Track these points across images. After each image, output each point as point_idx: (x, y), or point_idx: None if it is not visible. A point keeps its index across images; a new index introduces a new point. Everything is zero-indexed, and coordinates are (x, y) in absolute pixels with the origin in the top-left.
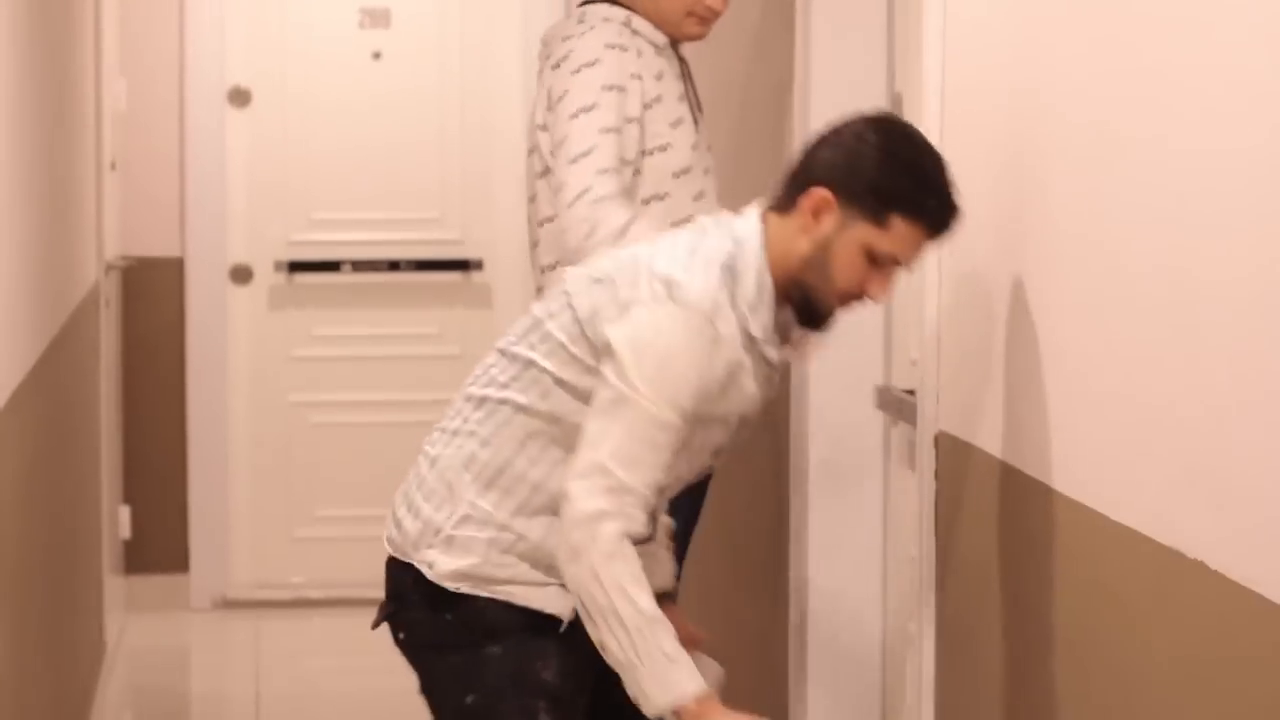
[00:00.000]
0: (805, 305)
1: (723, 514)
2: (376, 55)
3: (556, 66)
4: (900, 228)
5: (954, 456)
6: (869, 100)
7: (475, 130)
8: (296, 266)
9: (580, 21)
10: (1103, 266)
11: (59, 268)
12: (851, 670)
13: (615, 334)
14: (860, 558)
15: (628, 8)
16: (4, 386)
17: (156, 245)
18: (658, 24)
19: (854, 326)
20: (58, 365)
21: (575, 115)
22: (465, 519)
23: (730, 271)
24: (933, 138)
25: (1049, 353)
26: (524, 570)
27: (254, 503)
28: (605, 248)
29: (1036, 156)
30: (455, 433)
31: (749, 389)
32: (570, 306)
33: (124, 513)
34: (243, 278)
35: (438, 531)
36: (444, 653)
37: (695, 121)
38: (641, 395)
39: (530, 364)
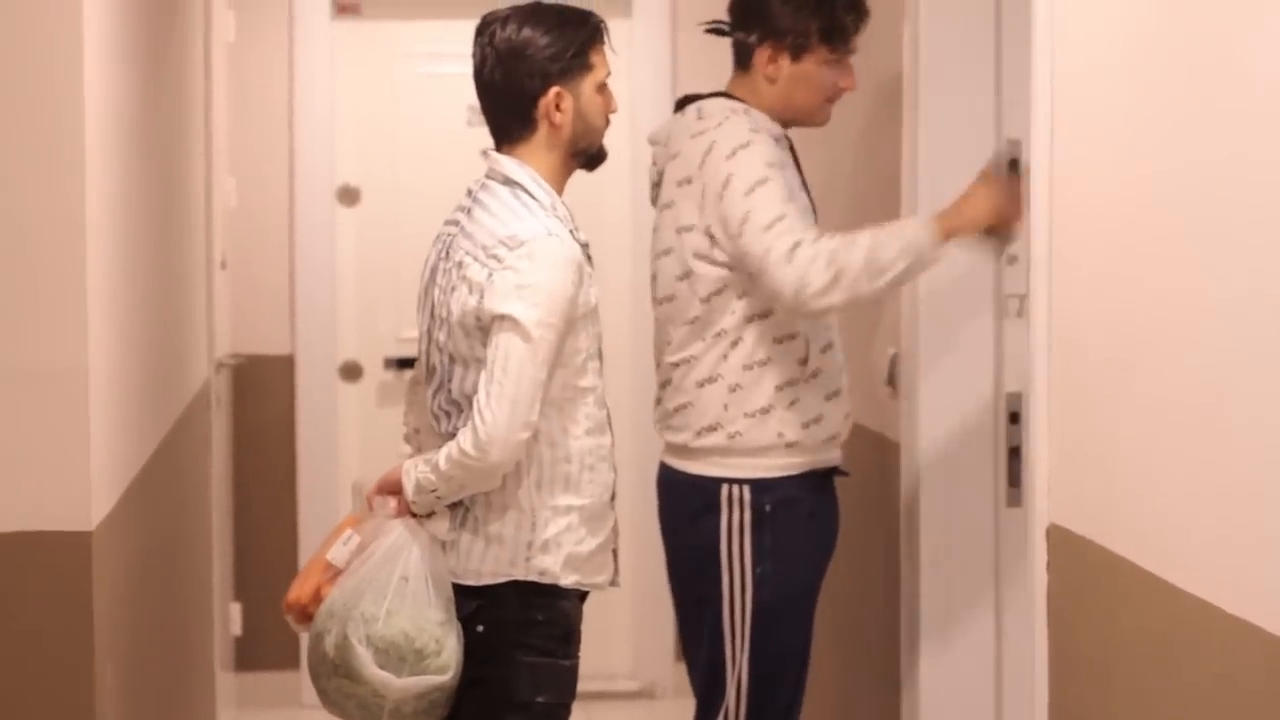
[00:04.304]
0: (592, 158)
1: (834, 604)
2: (485, 153)
3: (702, 164)
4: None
5: (1066, 549)
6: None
7: (583, 227)
8: (406, 363)
9: (701, 117)
10: (1219, 351)
11: (171, 366)
12: None
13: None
14: (973, 650)
15: (738, 99)
16: (117, 484)
17: (267, 342)
18: (791, 113)
19: (972, 427)
20: (170, 463)
21: (751, 190)
22: (547, 521)
23: (525, 199)
24: (1042, 219)
25: (1161, 443)
26: (587, 538)
27: None
28: (854, 272)
29: (1148, 241)
30: None
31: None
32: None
33: (235, 610)
34: (353, 374)
35: (530, 544)
36: (529, 653)
37: (813, 208)
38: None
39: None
